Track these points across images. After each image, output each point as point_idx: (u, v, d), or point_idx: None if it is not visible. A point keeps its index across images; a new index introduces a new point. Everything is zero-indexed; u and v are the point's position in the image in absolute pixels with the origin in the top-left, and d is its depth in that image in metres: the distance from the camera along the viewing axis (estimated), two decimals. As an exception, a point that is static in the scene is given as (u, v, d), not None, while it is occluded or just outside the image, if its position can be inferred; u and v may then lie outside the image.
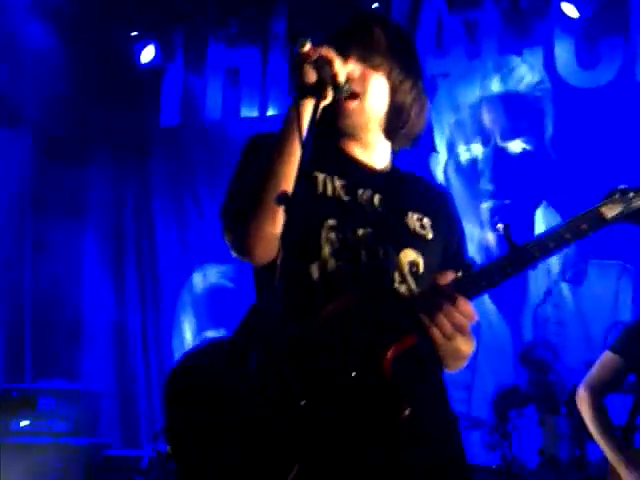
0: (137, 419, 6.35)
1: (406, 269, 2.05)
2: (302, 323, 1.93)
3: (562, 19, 5.74)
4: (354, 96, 2.07)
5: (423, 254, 2.08)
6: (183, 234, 6.55)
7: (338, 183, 2.10)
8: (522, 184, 5.75)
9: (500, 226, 1.87)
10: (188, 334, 6.47)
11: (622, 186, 1.89)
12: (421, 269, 2.07)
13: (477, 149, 5.91)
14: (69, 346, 6.31)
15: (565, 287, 5.50)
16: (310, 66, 1.91)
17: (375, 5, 6.04)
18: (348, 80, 2.01)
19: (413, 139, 2.22)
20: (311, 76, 1.92)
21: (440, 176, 6.01)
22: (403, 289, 2.03)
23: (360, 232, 2.05)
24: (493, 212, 5.76)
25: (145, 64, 6.56)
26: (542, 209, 5.68)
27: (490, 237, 5.69)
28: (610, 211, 1.87)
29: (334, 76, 1.94)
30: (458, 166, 5.97)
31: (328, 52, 1.93)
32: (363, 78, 2.09)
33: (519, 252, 1.86)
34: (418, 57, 2.22)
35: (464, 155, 5.96)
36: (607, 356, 3.69)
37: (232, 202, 2.03)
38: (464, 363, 2.07)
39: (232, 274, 6.28)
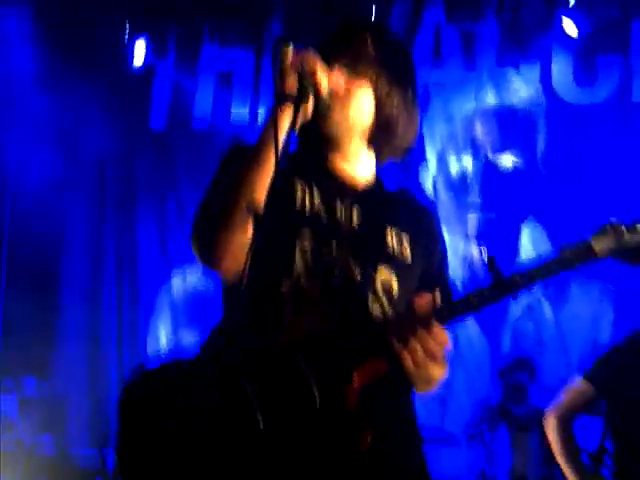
0: (107, 421, 6.23)
1: (379, 288, 1.96)
2: (268, 340, 1.85)
3: (561, 35, 5.68)
4: (337, 104, 1.98)
5: (398, 275, 1.99)
6: (164, 235, 6.45)
7: (317, 196, 2.01)
8: (510, 198, 5.67)
9: (485, 255, 1.81)
10: (164, 337, 6.37)
11: (615, 220, 1.84)
12: (394, 290, 1.98)
13: (467, 161, 5.84)
14: (41, 344, 6.17)
15: (546, 304, 5.41)
16: (292, 73, 1.83)
17: (374, 10, 5.99)
18: (331, 89, 1.93)
19: (401, 153, 2.13)
20: (292, 84, 1.84)
21: (429, 186, 5.94)
22: (376, 309, 1.94)
23: (335, 248, 1.96)
24: (479, 225, 5.68)
25: (136, 64, 6.47)
26: (528, 224, 5.60)
27: (474, 250, 5.61)
28: (600, 245, 1.82)
29: (316, 85, 1.87)
30: (447, 177, 5.89)
31: (311, 59, 1.86)
32: (348, 87, 2.01)
33: (502, 280, 1.79)
34: (412, 66, 2.13)
35: (454, 166, 5.89)
36: (579, 382, 3.62)
37: (204, 209, 1.94)
38: (435, 387, 1.97)
39: (212, 278, 6.16)
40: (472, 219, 5.70)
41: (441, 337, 1.79)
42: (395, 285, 1.99)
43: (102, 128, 6.48)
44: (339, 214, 2.01)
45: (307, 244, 1.95)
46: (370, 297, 1.94)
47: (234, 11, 6.24)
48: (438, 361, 1.80)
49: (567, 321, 5.33)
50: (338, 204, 2.02)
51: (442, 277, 2.11)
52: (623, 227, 1.84)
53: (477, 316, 5.16)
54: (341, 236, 1.98)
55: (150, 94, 6.67)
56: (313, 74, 1.86)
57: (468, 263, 5.54)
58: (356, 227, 2.01)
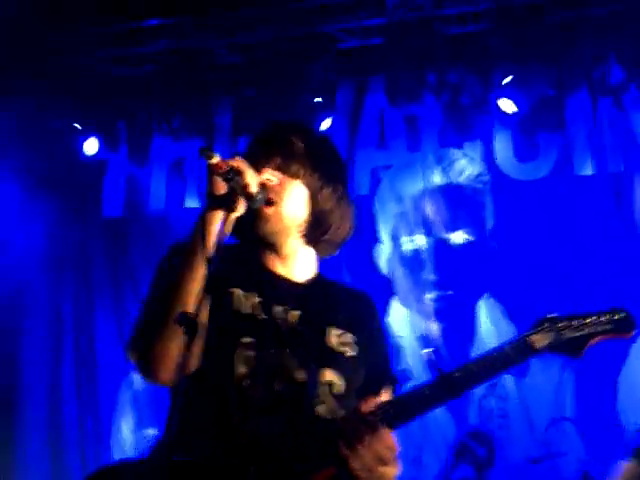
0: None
1: (325, 389, 1.98)
2: (216, 447, 1.85)
3: (500, 113, 5.89)
4: (270, 203, 2.04)
5: (343, 373, 2.01)
6: (123, 329, 6.39)
7: (254, 300, 2.03)
8: (465, 275, 5.78)
9: (426, 351, 1.88)
10: (127, 432, 6.25)
11: (551, 315, 1.90)
12: (341, 389, 2.00)
13: (420, 240, 5.95)
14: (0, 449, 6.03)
15: (509, 379, 5.47)
16: (220, 177, 1.87)
17: (318, 100, 6.14)
18: (264, 189, 1.98)
19: (338, 245, 2.17)
20: (221, 187, 1.88)
21: (384, 266, 6.02)
22: (322, 410, 1.96)
23: (276, 350, 1.98)
24: (437, 303, 5.76)
25: (88, 156, 6.51)
26: (484, 300, 5.70)
27: (434, 328, 5.67)
28: (539, 341, 1.88)
29: (245, 187, 1.90)
30: (402, 256, 5.99)
31: (239, 163, 1.90)
32: (280, 186, 2.06)
33: (445, 379, 1.85)
34: (341, 163, 2.20)
35: (407, 245, 5.99)
36: (630, 464, 3.48)
37: (138, 321, 1.98)
38: None
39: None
40: (429, 297, 5.78)
41: (389, 442, 1.81)
42: (341, 384, 2.01)
43: (55, 220, 6.50)
44: (277, 316, 2.03)
45: (246, 346, 1.96)
46: (315, 399, 1.96)
47: (182, 105, 6.34)
48: (388, 465, 1.82)
49: (530, 395, 5.38)
50: (276, 307, 2.04)
51: (386, 368, 2.14)
52: (562, 320, 1.90)
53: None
54: (280, 338, 1.99)
55: (102, 185, 6.70)
56: (242, 176, 1.89)
57: (427, 342, 5.59)
58: (296, 328, 2.02)
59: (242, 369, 1.94)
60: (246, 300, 2.03)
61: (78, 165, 6.58)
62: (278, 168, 2.07)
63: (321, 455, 1.83)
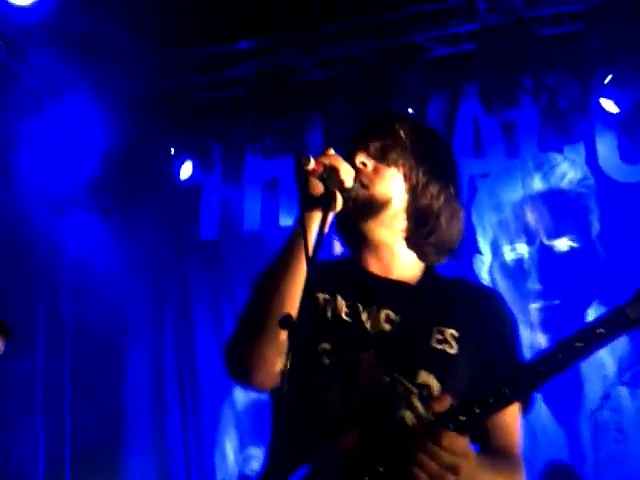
0: None
1: (415, 393, 1.85)
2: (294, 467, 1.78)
3: (602, 114, 5.66)
4: (364, 186, 1.95)
5: (440, 373, 1.88)
6: (223, 347, 6.42)
7: (341, 303, 1.95)
8: (572, 283, 5.56)
9: None
10: (230, 452, 6.26)
11: None
12: (435, 391, 1.86)
13: (522, 248, 5.77)
14: (108, 470, 6.13)
15: (624, 390, 5.20)
16: (316, 178, 1.82)
17: (410, 110, 6.04)
18: (358, 175, 1.91)
19: (446, 250, 2.02)
20: (318, 188, 1.83)
21: (486, 277, 5.85)
22: (408, 417, 1.83)
23: (360, 356, 1.88)
24: (543, 313, 5.55)
25: (184, 180, 6.61)
26: (594, 309, 5.45)
27: (541, 339, 5.46)
28: (635, 312, 1.68)
29: (341, 183, 1.84)
30: (504, 266, 5.81)
31: (332, 159, 1.84)
32: (375, 171, 1.97)
33: (522, 371, 1.72)
34: (452, 160, 2.07)
35: (509, 255, 5.81)
36: None
37: (238, 322, 1.91)
38: None
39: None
40: (535, 307, 5.58)
41: (455, 447, 1.66)
42: (435, 385, 1.88)
43: (155, 242, 6.62)
44: (366, 319, 1.93)
45: (324, 352, 1.89)
46: (402, 405, 1.84)
47: (273, 124, 6.36)
48: (458, 471, 1.66)
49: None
50: (366, 309, 1.94)
51: (510, 360, 1.94)
52: None
53: (551, 406, 4.92)
54: (366, 341, 1.90)
55: (199, 208, 6.78)
56: (337, 173, 1.83)
57: (533, 353, 5.38)
58: (386, 331, 1.92)
59: (322, 378, 1.87)
60: (331, 303, 1.95)
61: (175, 189, 6.68)
62: (375, 154, 1.97)
63: (388, 465, 1.72)
